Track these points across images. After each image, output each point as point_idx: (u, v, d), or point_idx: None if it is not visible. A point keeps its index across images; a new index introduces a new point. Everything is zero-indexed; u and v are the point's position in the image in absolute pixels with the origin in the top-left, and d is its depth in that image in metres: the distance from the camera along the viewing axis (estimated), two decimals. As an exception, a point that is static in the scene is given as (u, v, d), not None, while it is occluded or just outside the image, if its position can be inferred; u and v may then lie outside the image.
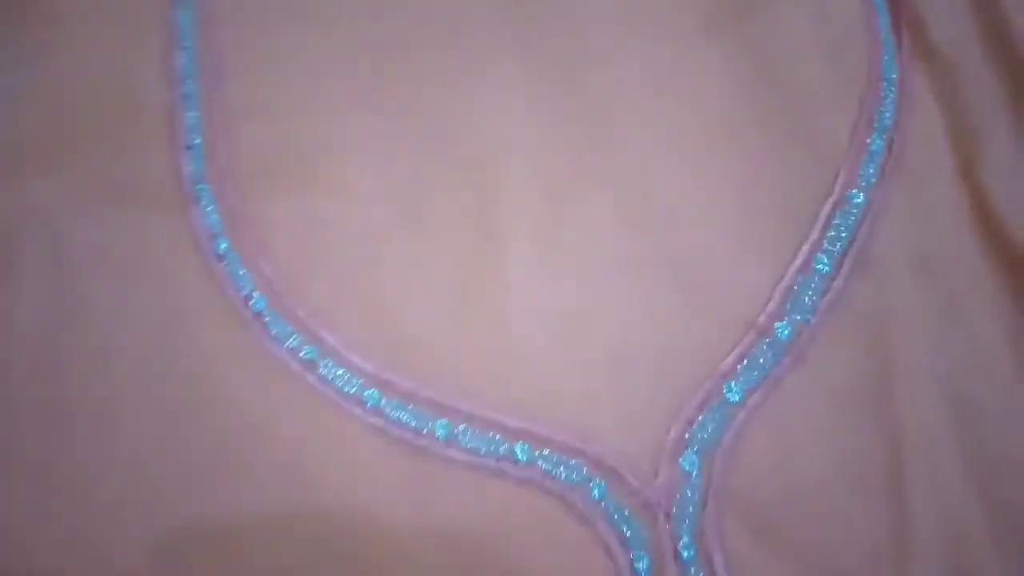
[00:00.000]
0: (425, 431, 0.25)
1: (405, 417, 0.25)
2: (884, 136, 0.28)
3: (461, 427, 0.25)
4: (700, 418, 0.25)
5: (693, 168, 0.28)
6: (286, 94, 0.29)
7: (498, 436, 0.25)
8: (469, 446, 0.25)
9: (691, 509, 0.24)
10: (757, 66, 0.29)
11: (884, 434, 0.24)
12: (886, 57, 0.29)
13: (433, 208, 0.28)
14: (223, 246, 0.27)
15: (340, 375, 0.26)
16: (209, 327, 0.26)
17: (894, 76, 0.29)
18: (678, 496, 0.24)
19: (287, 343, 0.26)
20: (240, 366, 0.26)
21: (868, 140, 0.28)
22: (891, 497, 0.24)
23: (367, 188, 0.28)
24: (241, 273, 0.27)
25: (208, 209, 0.28)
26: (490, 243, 0.27)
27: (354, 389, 0.26)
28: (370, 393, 0.26)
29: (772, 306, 0.26)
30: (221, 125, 0.29)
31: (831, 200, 0.27)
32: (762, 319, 0.26)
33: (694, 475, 0.24)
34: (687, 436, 0.25)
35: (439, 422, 0.25)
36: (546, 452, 0.25)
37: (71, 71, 0.29)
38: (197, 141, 0.28)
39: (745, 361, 0.25)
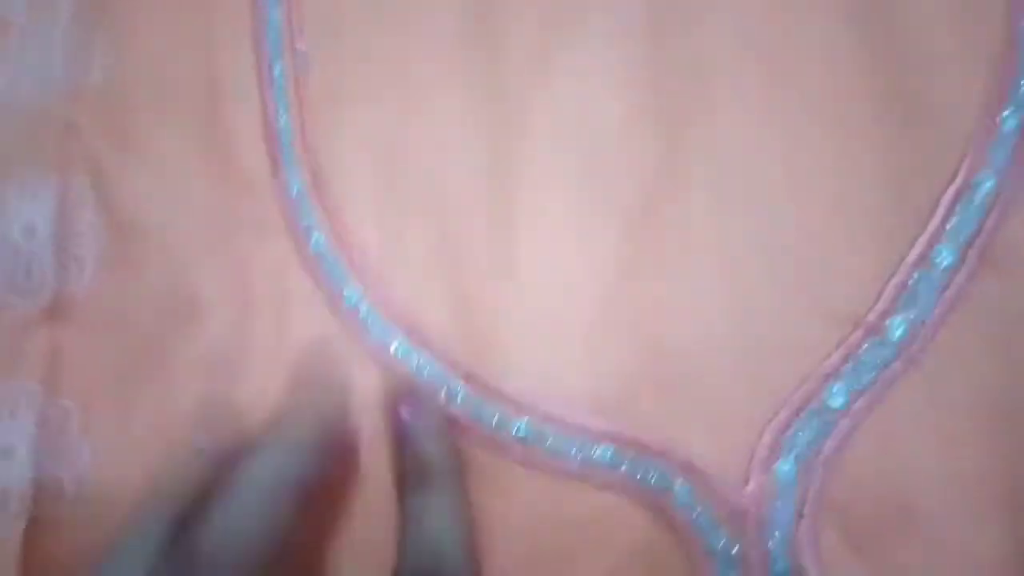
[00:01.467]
0: (506, 430, 0.25)
1: (487, 414, 0.25)
2: (1020, 112, 0.25)
3: (543, 427, 0.24)
4: (798, 423, 0.23)
5: (794, 144, 0.25)
6: (375, 75, 0.29)
7: (581, 437, 0.24)
8: (550, 447, 0.24)
9: (785, 520, 0.22)
10: (872, 28, 0.26)
11: (1008, 450, 0.22)
12: (1025, 19, 0.26)
13: (523, 193, 0.27)
14: (316, 237, 0.27)
15: (429, 368, 0.26)
16: (305, 318, 0.26)
17: None
18: (770, 505, 0.22)
19: (379, 335, 0.26)
20: (336, 358, 0.26)
21: (1000, 117, 0.25)
22: (1014, 522, 0.21)
23: (456, 170, 0.27)
24: (335, 265, 0.27)
25: (302, 198, 0.28)
26: (569, 229, 0.26)
27: (442, 382, 0.25)
28: (455, 388, 0.25)
29: (883, 302, 0.24)
30: (309, 113, 0.29)
31: (954, 185, 0.24)
32: (872, 316, 0.24)
33: (789, 484, 0.23)
34: (783, 442, 0.23)
35: (521, 421, 0.25)
36: (630, 454, 0.24)
37: (161, 54, 0.29)
38: (287, 131, 0.29)
39: (851, 362, 0.23)
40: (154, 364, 0.27)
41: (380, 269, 0.27)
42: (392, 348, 0.26)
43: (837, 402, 0.23)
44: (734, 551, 0.22)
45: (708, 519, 0.23)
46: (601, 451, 0.24)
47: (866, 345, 0.23)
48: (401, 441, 0.24)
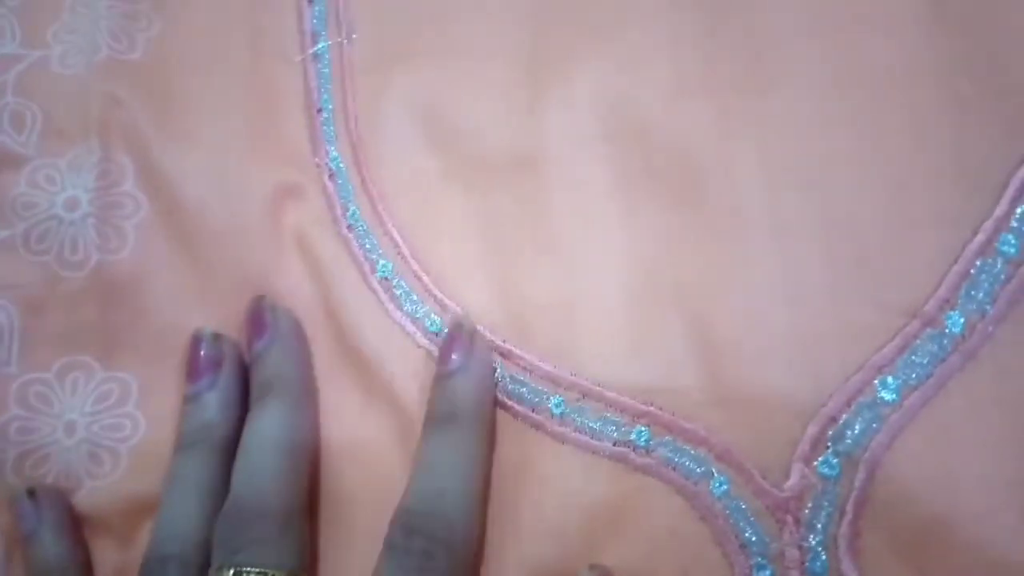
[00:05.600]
0: (541, 407, 0.24)
1: (524, 391, 0.24)
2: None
3: (580, 404, 0.24)
4: (845, 416, 0.22)
5: (854, 119, 0.24)
6: (416, 40, 0.28)
7: (617, 417, 0.23)
8: (585, 425, 0.24)
9: (825, 518, 0.21)
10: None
11: None
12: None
13: (562, 167, 0.26)
14: (352, 210, 0.27)
15: None
16: (340, 294, 0.26)
17: None
18: (812, 502, 0.22)
19: (413, 311, 0.26)
20: (370, 333, 0.26)
21: (1081, 96, 0.23)
22: None
23: (497, 140, 0.27)
24: (369, 238, 0.27)
25: (339, 174, 0.27)
26: (612, 203, 0.25)
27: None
28: (493, 363, 0.25)
29: (943, 291, 0.22)
30: (352, 85, 0.28)
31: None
32: (929, 306, 0.22)
33: (833, 480, 0.22)
34: (829, 435, 0.22)
35: (556, 398, 0.24)
36: (667, 438, 0.23)
37: (207, 27, 0.29)
38: (328, 103, 0.28)
39: (905, 354, 0.22)
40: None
41: (416, 241, 0.26)
42: (425, 323, 0.26)
43: (888, 396, 0.22)
44: (771, 546, 0.21)
45: (745, 512, 0.22)
46: (637, 432, 0.23)
47: (922, 337, 0.22)
48: (436, 380, 0.24)
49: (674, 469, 0.23)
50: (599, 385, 0.24)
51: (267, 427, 0.23)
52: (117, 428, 0.26)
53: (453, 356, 0.24)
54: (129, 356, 0.26)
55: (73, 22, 0.29)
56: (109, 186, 0.28)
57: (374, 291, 0.26)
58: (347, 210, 0.27)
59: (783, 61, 0.25)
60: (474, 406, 0.23)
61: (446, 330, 0.25)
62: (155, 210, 0.27)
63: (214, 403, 0.25)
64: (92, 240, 0.27)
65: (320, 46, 0.29)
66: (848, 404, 0.22)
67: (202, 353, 0.25)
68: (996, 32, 0.24)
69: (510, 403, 0.24)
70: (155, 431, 0.26)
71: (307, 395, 0.25)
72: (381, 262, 0.26)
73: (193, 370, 0.25)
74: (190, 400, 0.25)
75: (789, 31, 0.25)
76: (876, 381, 0.22)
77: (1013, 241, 0.22)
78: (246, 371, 0.25)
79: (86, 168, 0.28)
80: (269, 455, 0.23)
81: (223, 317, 0.27)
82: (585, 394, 0.24)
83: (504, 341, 0.25)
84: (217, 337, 0.26)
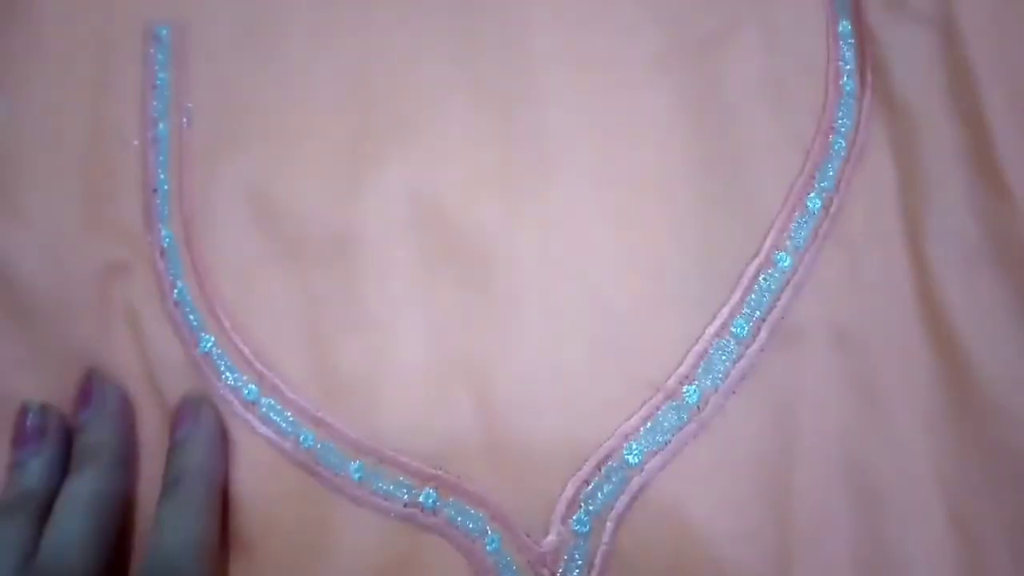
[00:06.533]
0: (343, 471, 0.26)
1: (330, 457, 0.27)
2: (824, 195, 0.27)
3: (375, 469, 0.26)
4: (596, 479, 0.25)
5: (620, 215, 0.27)
6: (251, 126, 0.30)
7: (409, 481, 0.26)
8: (380, 488, 0.26)
9: (577, 571, 0.24)
10: (702, 109, 0.28)
11: (776, 518, 0.24)
12: (843, 105, 0.28)
13: (369, 248, 0.28)
14: (180, 288, 0.29)
15: (278, 413, 0.27)
16: (164, 368, 0.28)
17: (848, 127, 0.28)
18: (566, 556, 0.25)
19: (232, 381, 0.28)
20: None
21: (805, 198, 0.27)
22: None
23: (315, 222, 0.29)
24: (194, 313, 0.29)
25: (170, 251, 0.29)
26: (414, 284, 0.28)
27: (290, 428, 0.27)
28: (305, 432, 0.27)
29: (684, 368, 0.26)
30: (188, 167, 0.30)
31: (757, 261, 0.26)
32: (671, 380, 0.26)
33: (584, 537, 0.25)
34: (582, 496, 0.25)
35: (356, 463, 0.26)
36: (452, 500, 0.26)
37: (49, 105, 0.30)
38: (164, 184, 0.30)
39: (649, 423, 0.25)
40: None
41: (239, 317, 0.29)
42: (243, 392, 0.28)
43: (633, 460, 0.25)
44: (532, 598, 0.24)
45: (511, 565, 0.25)
46: (425, 494, 0.26)
47: (664, 408, 0.25)
48: (168, 449, 0.26)
49: (456, 528, 0.25)
50: (395, 451, 0.26)
51: (76, 492, 0.25)
52: None
53: (181, 426, 0.26)
54: None
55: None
56: None
57: (196, 364, 0.28)
58: (175, 287, 0.29)
59: (563, 161, 0.28)
60: (198, 470, 0.25)
61: (262, 399, 0.27)
62: None
63: (36, 470, 0.26)
64: None
65: (159, 129, 0.31)
66: (599, 468, 0.25)
67: (28, 423, 0.27)
68: (743, 144, 0.28)
69: (317, 468, 0.27)
70: None
71: (123, 463, 0.27)
72: (204, 336, 0.28)
73: (18, 438, 0.27)
74: (14, 467, 0.27)
75: (571, 132, 0.29)
76: (623, 447, 0.25)
77: (744, 324, 0.26)
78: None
79: None
80: (76, 519, 0.25)
81: (54, 389, 0.28)
82: (382, 459, 0.26)
83: (317, 410, 0.27)
84: (44, 408, 0.27)
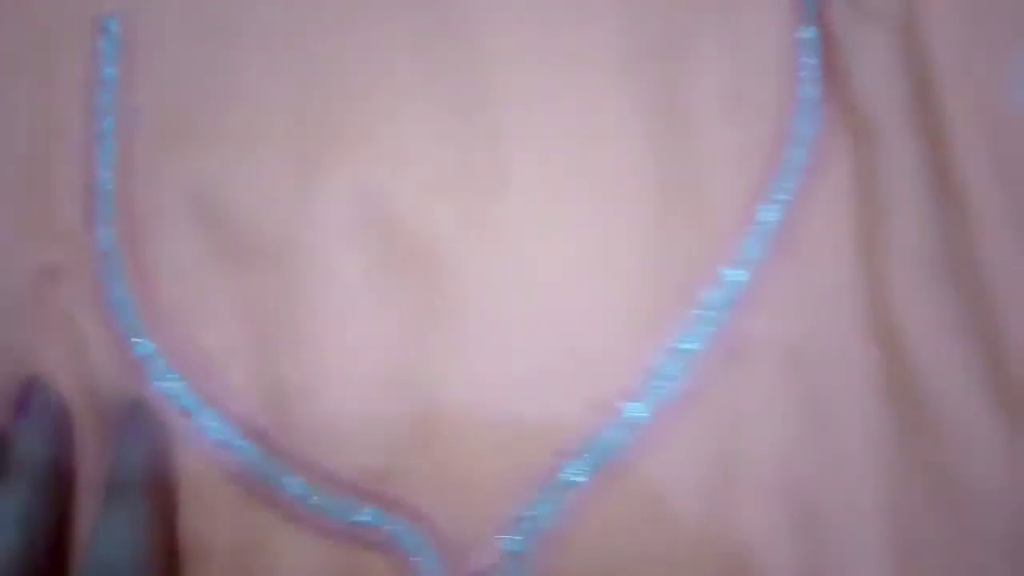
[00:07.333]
0: (280, 487, 0.26)
1: (268, 471, 0.26)
2: (779, 207, 0.26)
3: (316, 486, 0.26)
4: (533, 497, 0.24)
5: (575, 223, 0.27)
6: (200, 135, 0.30)
7: (351, 497, 0.25)
8: (320, 505, 0.25)
9: (510, 590, 0.24)
10: (662, 116, 0.27)
11: (716, 540, 0.23)
12: (802, 114, 0.27)
13: (319, 253, 0.28)
14: (118, 290, 0.28)
15: (214, 422, 0.27)
16: (100, 371, 0.27)
17: (807, 137, 0.27)
18: (500, 574, 0.24)
19: (167, 388, 0.27)
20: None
21: (761, 210, 0.26)
22: None
23: (261, 224, 0.28)
24: (130, 316, 0.28)
25: (109, 253, 0.29)
26: (361, 291, 0.27)
27: (227, 439, 0.27)
28: (241, 444, 0.26)
29: (628, 384, 0.25)
30: (132, 166, 0.30)
31: (708, 275, 0.26)
32: (616, 397, 0.25)
33: (518, 555, 0.24)
34: (518, 514, 0.24)
35: (295, 479, 0.26)
36: (392, 517, 0.25)
37: None
38: (107, 184, 0.29)
39: (591, 441, 0.25)
40: None
41: (180, 323, 0.28)
42: (180, 401, 0.27)
43: (570, 480, 0.24)
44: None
45: (446, 585, 0.24)
46: (366, 511, 0.25)
47: (607, 426, 0.25)
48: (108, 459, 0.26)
49: (397, 545, 0.25)
50: (337, 466, 0.26)
51: (5, 506, 0.24)
52: None
53: (119, 433, 0.26)
54: None
55: None
56: None
57: (132, 369, 0.27)
58: (113, 290, 0.28)
59: (518, 167, 0.28)
60: (138, 478, 0.25)
61: (200, 408, 0.27)
62: None
63: None
64: None
65: (104, 126, 0.30)
66: (538, 486, 0.24)
67: None
68: (700, 155, 0.27)
69: (254, 482, 0.26)
70: None
71: (58, 476, 0.26)
72: (142, 340, 0.28)
73: None
74: None
75: (528, 136, 0.28)
76: (561, 467, 0.24)
77: (693, 340, 0.25)
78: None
79: None
80: (6, 533, 0.24)
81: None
82: (323, 476, 0.26)
83: (256, 421, 0.27)
84: None
